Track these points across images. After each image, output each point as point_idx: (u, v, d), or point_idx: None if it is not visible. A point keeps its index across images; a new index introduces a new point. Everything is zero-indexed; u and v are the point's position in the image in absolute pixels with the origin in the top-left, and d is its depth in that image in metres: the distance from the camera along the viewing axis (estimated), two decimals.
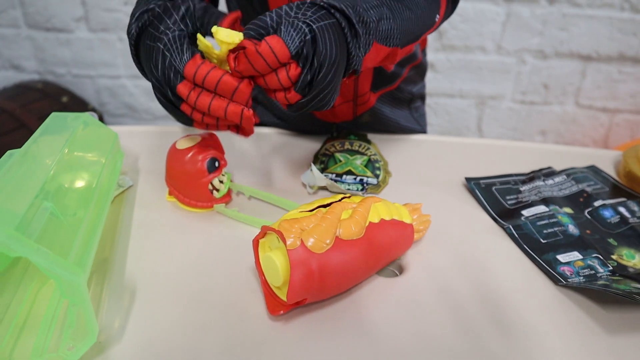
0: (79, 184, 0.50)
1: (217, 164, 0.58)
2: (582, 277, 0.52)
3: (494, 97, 1.62)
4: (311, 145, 0.72)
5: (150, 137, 0.75)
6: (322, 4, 0.49)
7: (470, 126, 1.68)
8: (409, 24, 0.57)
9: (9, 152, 0.50)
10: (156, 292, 0.47)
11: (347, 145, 0.69)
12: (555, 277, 0.52)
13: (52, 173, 0.46)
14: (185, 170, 0.57)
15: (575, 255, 0.55)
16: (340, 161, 0.66)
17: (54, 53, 1.66)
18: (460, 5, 1.46)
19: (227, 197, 0.60)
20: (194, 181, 0.57)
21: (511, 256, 0.55)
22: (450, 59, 1.57)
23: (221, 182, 0.59)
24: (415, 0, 0.59)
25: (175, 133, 0.76)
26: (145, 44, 0.52)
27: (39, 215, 0.39)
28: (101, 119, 1.55)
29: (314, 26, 0.46)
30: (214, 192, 0.59)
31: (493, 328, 0.45)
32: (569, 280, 0.52)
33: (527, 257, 0.55)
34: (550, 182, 0.69)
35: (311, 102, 0.48)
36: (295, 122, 0.79)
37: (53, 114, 0.59)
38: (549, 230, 0.59)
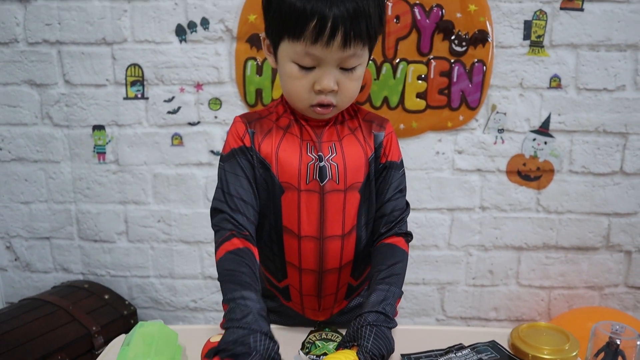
0: None
1: None
2: None
3: (450, 283, 2.01)
4: (300, 335, 1.07)
5: (190, 333, 1.11)
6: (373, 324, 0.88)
7: (435, 307, 2.03)
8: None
9: (121, 350, 0.86)
10: None
11: (323, 335, 1.04)
12: None
13: None
14: None
15: None
16: (318, 347, 1.00)
17: (97, 259, 2.08)
18: (415, 215, 1.92)
19: None
20: None
21: None
22: (412, 255, 1.98)
23: None
24: (403, 259, 1.02)
25: (205, 330, 1.12)
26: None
27: None
28: (135, 312, 1.91)
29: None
30: None
31: None
32: None
33: None
34: (459, 354, 1.03)
35: None
36: (290, 318, 1.13)
37: (139, 323, 0.95)
38: None
